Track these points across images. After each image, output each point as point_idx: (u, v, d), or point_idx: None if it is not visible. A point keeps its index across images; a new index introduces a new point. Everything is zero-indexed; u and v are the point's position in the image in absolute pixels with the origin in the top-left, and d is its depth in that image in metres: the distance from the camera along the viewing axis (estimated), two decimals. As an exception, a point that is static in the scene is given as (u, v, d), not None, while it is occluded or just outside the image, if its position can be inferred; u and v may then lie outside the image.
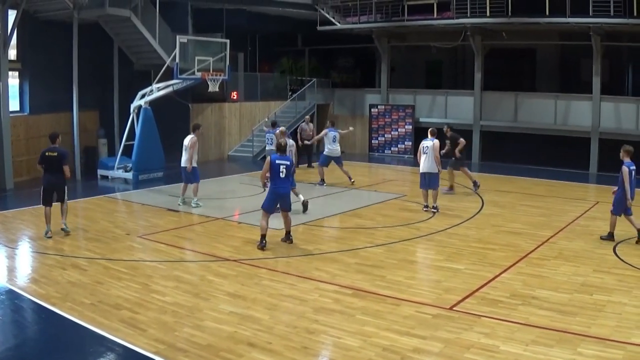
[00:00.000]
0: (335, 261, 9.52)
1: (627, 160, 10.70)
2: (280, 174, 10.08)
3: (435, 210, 12.99)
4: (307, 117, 21.41)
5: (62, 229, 11.01)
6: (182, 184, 13.86)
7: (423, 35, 24.12)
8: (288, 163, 10.23)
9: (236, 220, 12.47)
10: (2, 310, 7.49)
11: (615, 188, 10.81)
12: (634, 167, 10.63)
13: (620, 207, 10.63)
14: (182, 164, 13.47)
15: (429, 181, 13.06)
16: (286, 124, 20.53)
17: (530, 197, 15.26)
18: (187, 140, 13.46)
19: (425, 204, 13.25)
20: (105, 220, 12.37)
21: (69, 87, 17.83)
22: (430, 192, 13.18)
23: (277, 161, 10.12)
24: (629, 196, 10.46)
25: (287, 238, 10.44)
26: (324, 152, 16.82)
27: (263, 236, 10.12)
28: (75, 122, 18.11)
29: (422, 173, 13.10)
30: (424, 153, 12.97)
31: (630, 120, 19.47)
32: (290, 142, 13.61)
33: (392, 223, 12.26)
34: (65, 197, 11.11)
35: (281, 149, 10.39)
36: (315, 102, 25.23)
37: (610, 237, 10.73)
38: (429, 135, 13.23)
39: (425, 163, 12.96)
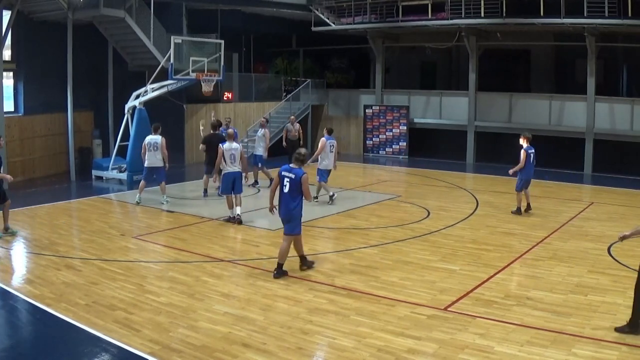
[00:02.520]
0: (330, 262, 9.51)
1: (525, 145, 12.58)
2: (284, 187, 8.47)
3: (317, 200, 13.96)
4: (292, 117, 20.80)
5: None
6: (151, 183, 14.25)
7: (418, 36, 24.18)
8: (293, 176, 8.40)
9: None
10: (-5, 311, 7.48)
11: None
12: (531, 151, 12.57)
13: (521, 184, 12.66)
14: (155, 164, 13.79)
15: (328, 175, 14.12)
16: (281, 125, 20.45)
17: (525, 198, 15.28)
18: (159, 140, 13.79)
19: (330, 194, 14.04)
20: (100, 221, 12.34)
21: (63, 88, 17.78)
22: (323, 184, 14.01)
23: (283, 172, 8.54)
24: (516, 167, 12.48)
25: (304, 264, 8.94)
26: None
27: (280, 265, 8.68)
28: (69, 122, 18.06)
29: (329, 170, 13.98)
30: (331, 152, 13.95)
31: (624, 120, 19.54)
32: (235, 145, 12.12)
33: (387, 224, 12.27)
34: None
35: (299, 158, 8.58)
36: (309, 103, 25.22)
37: (518, 211, 12.81)
38: (328, 133, 14.14)
39: (333, 160, 14.00)
